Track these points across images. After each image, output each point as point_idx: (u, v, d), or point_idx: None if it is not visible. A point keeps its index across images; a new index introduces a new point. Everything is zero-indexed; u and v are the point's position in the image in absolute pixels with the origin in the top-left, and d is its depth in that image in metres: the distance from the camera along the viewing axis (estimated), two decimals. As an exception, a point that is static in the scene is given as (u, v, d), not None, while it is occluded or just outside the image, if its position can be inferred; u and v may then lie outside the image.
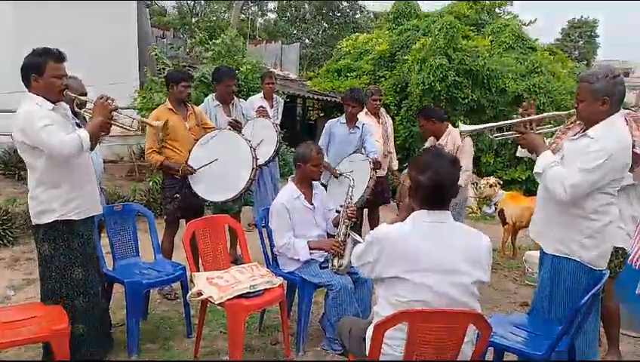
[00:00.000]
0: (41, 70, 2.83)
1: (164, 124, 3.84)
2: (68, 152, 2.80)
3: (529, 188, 9.33)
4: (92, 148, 3.27)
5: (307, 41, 28.26)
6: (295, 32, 28.32)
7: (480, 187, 6.09)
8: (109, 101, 2.99)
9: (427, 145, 4.66)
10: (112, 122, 3.04)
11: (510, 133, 3.04)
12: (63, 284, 2.98)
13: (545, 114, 3.04)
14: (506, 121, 3.11)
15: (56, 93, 2.89)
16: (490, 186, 6.00)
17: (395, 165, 5.74)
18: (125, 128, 3.19)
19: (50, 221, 2.91)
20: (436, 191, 2.11)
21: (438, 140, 4.52)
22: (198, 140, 4.23)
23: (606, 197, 2.64)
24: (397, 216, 2.60)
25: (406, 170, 2.48)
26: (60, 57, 2.89)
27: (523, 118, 2.89)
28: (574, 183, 2.56)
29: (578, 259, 2.71)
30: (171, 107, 4.26)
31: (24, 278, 4.57)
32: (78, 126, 3.13)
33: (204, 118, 4.52)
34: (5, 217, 5.53)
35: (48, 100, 2.87)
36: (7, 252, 5.26)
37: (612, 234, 2.71)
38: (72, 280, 3.00)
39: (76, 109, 3.14)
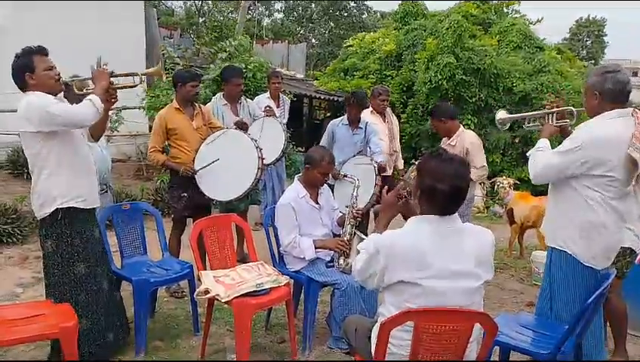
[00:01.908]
0: (32, 67, 2.87)
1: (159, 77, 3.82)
2: (84, 116, 2.86)
3: (536, 187, 9.28)
4: (99, 137, 3.35)
5: (314, 40, 28.30)
6: (302, 31, 28.36)
7: (503, 186, 6.03)
8: (105, 67, 3.06)
9: (443, 143, 4.65)
10: (115, 86, 3.08)
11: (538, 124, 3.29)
12: (65, 280, 3.02)
13: (565, 107, 3.13)
14: (538, 112, 3.32)
15: (52, 84, 2.93)
16: (510, 186, 5.98)
17: (401, 164, 5.74)
18: (129, 87, 3.19)
19: (52, 211, 2.94)
20: (455, 197, 2.08)
21: (449, 139, 4.50)
22: (204, 140, 4.25)
23: (593, 193, 2.66)
24: (380, 220, 2.47)
25: (409, 173, 2.40)
26: (43, 51, 2.93)
27: (547, 110, 3.13)
28: (544, 164, 2.76)
29: (570, 253, 2.74)
30: (178, 107, 4.27)
31: (33, 276, 4.60)
32: None
33: (211, 117, 4.54)
34: (14, 216, 5.58)
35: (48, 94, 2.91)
36: (17, 250, 5.30)
37: (605, 233, 2.70)
38: (74, 276, 3.03)
39: (77, 92, 3.17)
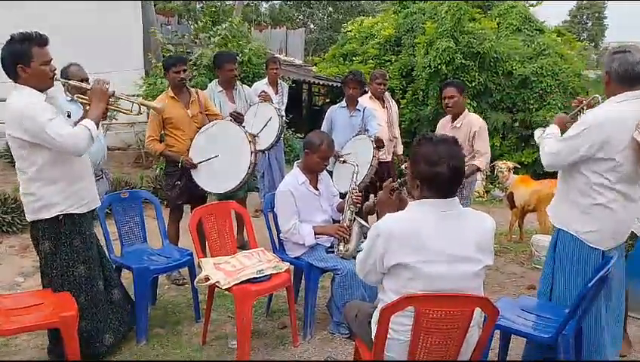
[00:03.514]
0: (28, 59, 2.63)
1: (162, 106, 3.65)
2: (82, 145, 2.68)
3: (536, 171, 9.27)
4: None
5: (312, 26, 28.04)
6: (300, 17, 28.10)
7: (501, 170, 6.01)
8: (106, 86, 2.86)
9: (440, 126, 4.59)
10: (110, 107, 2.94)
11: None
12: (65, 282, 2.89)
13: (591, 97, 3.11)
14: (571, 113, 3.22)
15: (47, 81, 2.72)
16: (509, 170, 5.96)
17: (400, 150, 5.71)
18: (124, 112, 3.07)
19: (51, 216, 2.80)
20: (455, 178, 2.06)
21: (453, 121, 4.43)
22: (200, 128, 4.21)
23: (599, 177, 2.64)
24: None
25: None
26: (42, 41, 2.68)
27: (576, 110, 3.12)
28: (551, 150, 2.74)
29: (576, 235, 2.74)
30: (173, 95, 4.22)
31: (34, 265, 4.59)
32: (68, 116, 3.05)
33: (209, 104, 4.49)
34: (14, 205, 5.57)
35: (38, 90, 2.70)
36: (17, 239, 5.30)
37: (612, 216, 2.67)
38: (74, 278, 2.92)
39: (67, 96, 3.04)
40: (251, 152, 4.08)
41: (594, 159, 2.62)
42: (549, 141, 2.82)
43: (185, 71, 4.23)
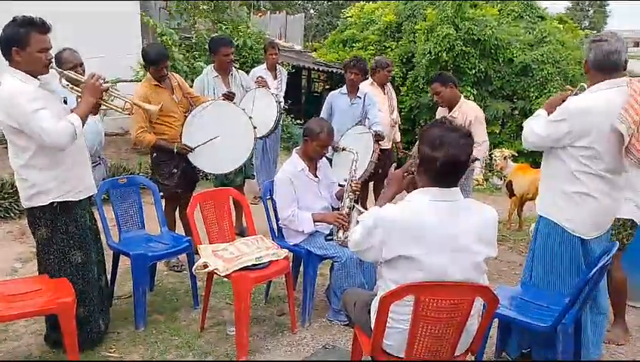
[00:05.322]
0: (25, 43, 2.59)
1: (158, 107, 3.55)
2: (63, 142, 2.64)
3: (535, 159, 9.25)
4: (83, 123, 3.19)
5: (312, 11, 27.83)
6: (300, 2, 27.86)
7: (495, 159, 6.00)
8: (100, 81, 2.81)
9: (438, 116, 4.54)
10: (102, 102, 2.89)
11: None
12: (61, 269, 2.89)
13: (578, 86, 3.09)
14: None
15: (40, 68, 2.68)
16: (505, 158, 5.94)
17: (399, 137, 5.69)
18: (116, 110, 3.01)
19: (46, 203, 2.78)
20: (451, 168, 2.03)
21: (450, 111, 4.39)
22: (188, 112, 4.15)
23: (579, 165, 2.66)
24: (384, 194, 2.42)
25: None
26: (44, 28, 2.64)
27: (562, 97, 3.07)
28: (532, 130, 2.79)
29: (557, 222, 2.78)
30: (156, 83, 4.10)
31: (32, 251, 4.56)
32: (65, 102, 2.99)
33: (187, 87, 4.40)
34: (11, 190, 5.54)
35: (32, 75, 2.66)
36: (15, 225, 5.28)
37: (593, 203, 2.69)
38: (71, 264, 2.91)
39: (62, 86, 2.98)
40: (254, 128, 4.06)
41: (575, 147, 2.64)
42: (538, 121, 2.81)
43: (167, 67, 4.11)
